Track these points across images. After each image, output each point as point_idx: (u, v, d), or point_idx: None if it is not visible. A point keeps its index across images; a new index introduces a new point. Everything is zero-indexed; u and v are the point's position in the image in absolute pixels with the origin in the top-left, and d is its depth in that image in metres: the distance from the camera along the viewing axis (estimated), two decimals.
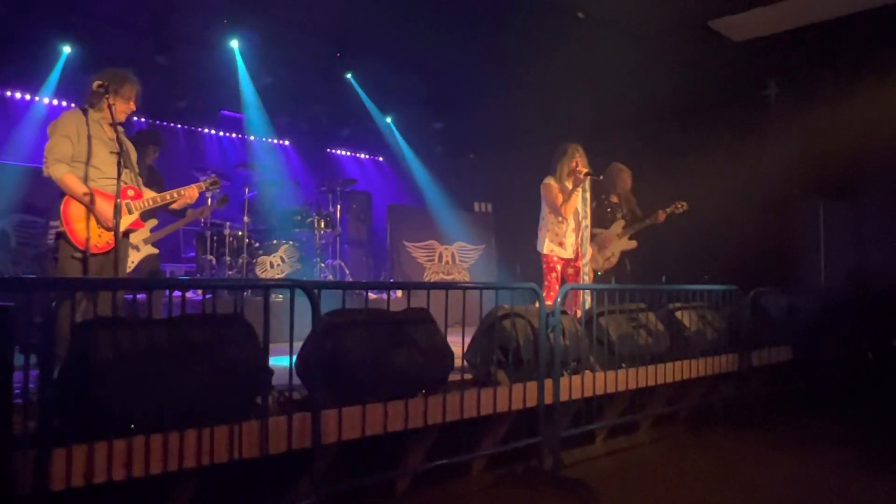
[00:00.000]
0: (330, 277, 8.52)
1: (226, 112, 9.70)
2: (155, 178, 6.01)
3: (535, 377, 4.24)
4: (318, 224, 8.26)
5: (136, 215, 4.39)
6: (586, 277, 5.77)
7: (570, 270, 5.99)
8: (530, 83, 8.77)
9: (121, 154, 4.04)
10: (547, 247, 5.97)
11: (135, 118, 8.86)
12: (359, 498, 3.52)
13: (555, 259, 5.96)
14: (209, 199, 7.27)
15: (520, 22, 7.73)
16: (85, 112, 4.24)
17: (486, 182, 11.12)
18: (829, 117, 7.83)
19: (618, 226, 6.88)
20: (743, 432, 5.49)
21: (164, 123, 9.66)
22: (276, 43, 8.54)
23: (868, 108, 7.68)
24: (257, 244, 7.83)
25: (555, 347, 4.32)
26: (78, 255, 4.08)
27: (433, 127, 11.02)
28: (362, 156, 12.26)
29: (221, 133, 10.24)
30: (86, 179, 4.12)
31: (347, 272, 8.98)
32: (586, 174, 5.81)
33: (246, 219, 7.87)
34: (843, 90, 7.93)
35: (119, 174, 3.97)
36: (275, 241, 7.77)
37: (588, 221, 5.82)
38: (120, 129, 4.35)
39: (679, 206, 6.83)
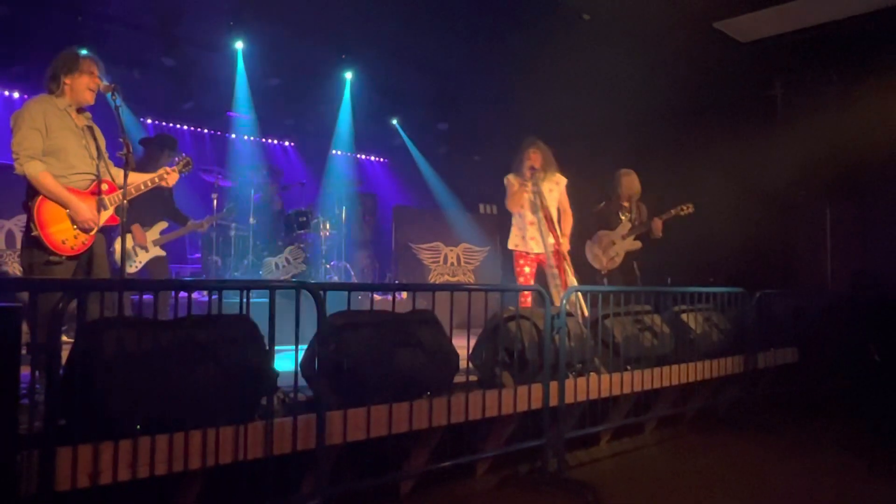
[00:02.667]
0: (335, 279, 8.53)
1: (232, 113, 9.72)
2: None
3: (539, 379, 4.24)
4: (324, 225, 8.26)
5: (111, 210, 4.04)
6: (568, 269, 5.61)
7: (553, 262, 5.65)
8: (535, 84, 8.77)
9: (112, 150, 3.92)
10: (511, 242, 5.94)
11: (146, 121, 8.93)
12: (363, 499, 3.52)
13: (527, 256, 5.80)
14: (215, 207, 7.32)
15: (525, 23, 7.73)
16: (49, 100, 3.88)
17: (491, 183, 11.06)
18: (835, 118, 7.82)
19: (623, 227, 6.85)
20: (748, 434, 5.48)
21: (171, 125, 9.70)
22: (282, 44, 8.56)
23: (874, 109, 7.67)
24: (262, 245, 7.85)
25: (560, 349, 4.31)
26: (55, 258, 3.75)
27: (438, 128, 11.02)
28: (368, 157, 12.26)
29: (228, 134, 10.24)
30: (57, 176, 3.79)
31: (353, 273, 8.99)
32: (530, 167, 5.76)
33: (252, 220, 7.89)
34: (849, 91, 7.92)
35: (76, 164, 3.83)
36: (280, 243, 7.78)
37: (542, 214, 5.68)
38: (87, 114, 4.06)
39: (684, 207, 6.73)
